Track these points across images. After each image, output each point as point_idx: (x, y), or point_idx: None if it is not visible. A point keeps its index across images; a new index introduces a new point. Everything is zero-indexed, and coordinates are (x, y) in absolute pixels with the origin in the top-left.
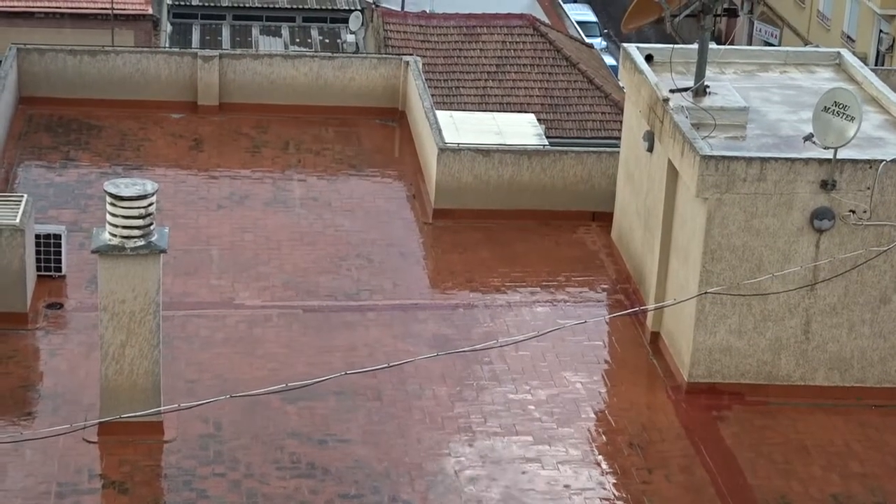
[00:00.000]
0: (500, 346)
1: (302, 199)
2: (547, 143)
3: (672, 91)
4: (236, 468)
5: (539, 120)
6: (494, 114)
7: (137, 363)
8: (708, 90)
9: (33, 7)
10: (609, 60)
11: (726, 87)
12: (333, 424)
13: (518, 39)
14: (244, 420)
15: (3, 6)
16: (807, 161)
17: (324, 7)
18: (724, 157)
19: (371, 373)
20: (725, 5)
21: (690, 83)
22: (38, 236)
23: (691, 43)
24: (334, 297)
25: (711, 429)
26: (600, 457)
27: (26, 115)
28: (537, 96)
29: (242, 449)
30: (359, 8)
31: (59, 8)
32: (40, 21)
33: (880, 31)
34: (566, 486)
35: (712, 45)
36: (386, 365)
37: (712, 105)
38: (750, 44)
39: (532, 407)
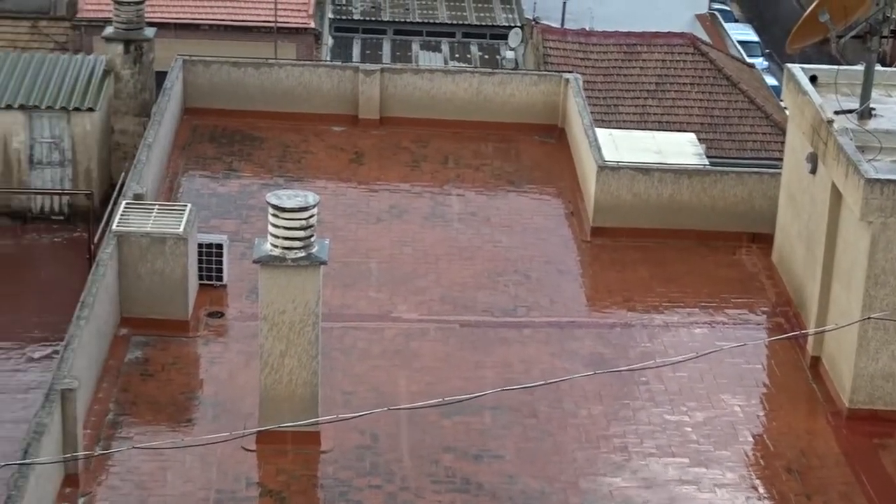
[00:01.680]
0: (658, 367)
1: (460, 214)
2: (707, 163)
3: (837, 113)
4: (392, 480)
5: (699, 139)
6: (654, 132)
7: (296, 373)
8: (873, 113)
9: (199, 19)
10: (770, 81)
11: (892, 110)
12: (489, 440)
13: (678, 58)
14: (400, 433)
15: (169, 17)
16: None
17: (483, 23)
18: (889, 181)
19: (527, 389)
20: (893, 27)
21: (855, 105)
22: (200, 245)
23: (855, 64)
24: (491, 312)
25: (872, 456)
26: (757, 481)
27: (191, 126)
28: (697, 116)
29: (398, 462)
30: (518, 25)
31: (224, 20)
32: (205, 33)
33: None
34: None
35: (878, 68)
36: (542, 382)
37: (878, 128)
38: None
39: (689, 429)
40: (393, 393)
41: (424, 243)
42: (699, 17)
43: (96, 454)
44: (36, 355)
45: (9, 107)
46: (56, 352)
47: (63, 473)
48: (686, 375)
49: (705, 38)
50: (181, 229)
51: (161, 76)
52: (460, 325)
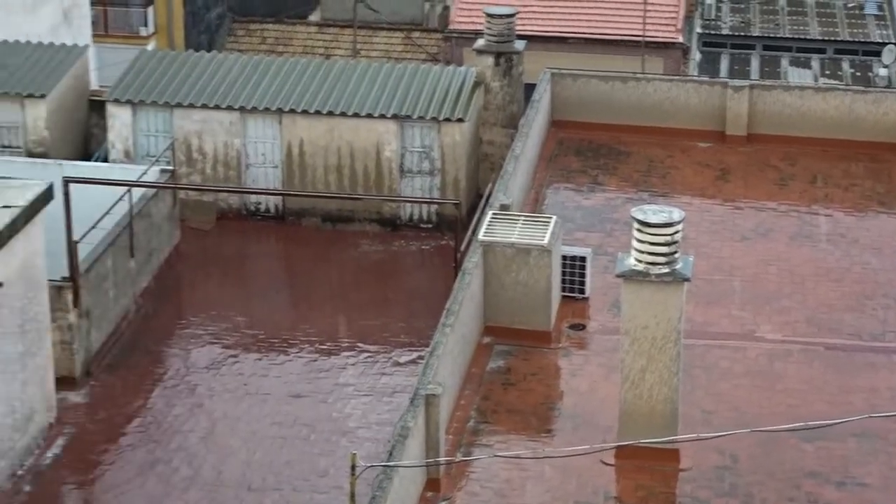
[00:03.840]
0: None
1: (828, 234)
2: None
3: None
4: (751, 503)
5: None
6: None
7: (657, 389)
8: None
9: (567, 32)
10: None
11: None
12: (853, 467)
13: None
14: (761, 455)
15: (539, 30)
16: None
17: (856, 39)
18: None
19: (895, 417)
20: None
21: None
22: (564, 258)
23: None
24: (858, 336)
25: None
26: None
27: (557, 138)
28: None
29: (758, 484)
30: (893, 41)
31: (592, 34)
32: (573, 46)
33: None
34: None
35: None
36: None
37: None
38: None
39: None
40: (754, 414)
41: (790, 263)
42: None
43: (458, 460)
44: (402, 360)
45: (382, 116)
46: (421, 357)
47: (425, 477)
48: None
49: None
50: (546, 241)
51: (529, 88)
52: (825, 348)
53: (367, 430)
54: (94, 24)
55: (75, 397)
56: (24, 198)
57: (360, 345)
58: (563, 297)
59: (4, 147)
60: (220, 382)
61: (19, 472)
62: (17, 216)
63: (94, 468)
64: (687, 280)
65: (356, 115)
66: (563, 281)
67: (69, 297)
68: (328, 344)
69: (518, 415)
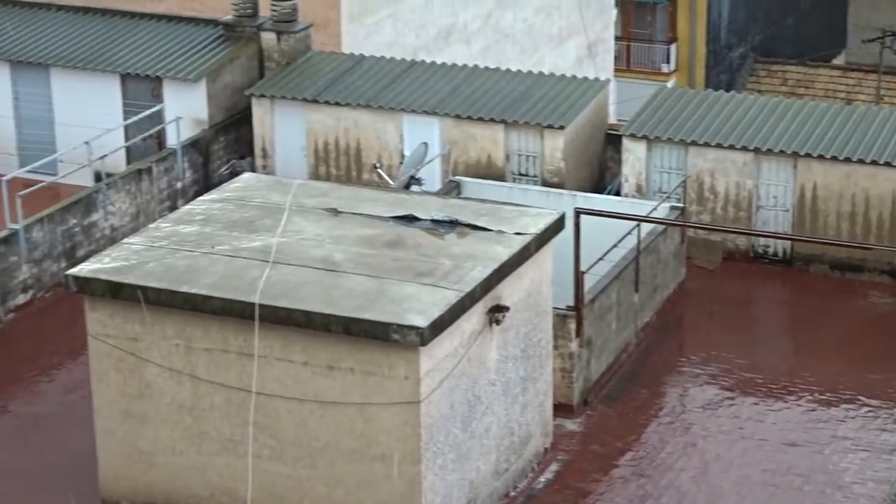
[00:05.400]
0: None
1: None
2: None
3: None
4: None
5: None
6: None
7: None
8: None
9: None
10: None
11: None
12: None
13: None
14: None
15: None
16: None
17: None
18: None
19: None
20: None
21: None
22: None
23: None
24: None
25: None
26: None
27: None
28: None
29: None
30: None
31: None
32: None
33: None
34: None
35: None
36: None
37: None
38: None
39: None
40: None
41: None
42: None
43: None
44: None
45: None
46: None
47: None
48: None
49: None
50: None
51: None
52: None
53: (863, 486)
54: (617, 58)
55: (571, 425)
56: (536, 226)
57: (861, 398)
58: None
59: (522, 175)
60: (716, 423)
61: (512, 493)
62: (528, 243)
63: (585, 497)
64: None
65: (874, 162)
66: None
67: (572, 325)
68: (828, 394)
69: None
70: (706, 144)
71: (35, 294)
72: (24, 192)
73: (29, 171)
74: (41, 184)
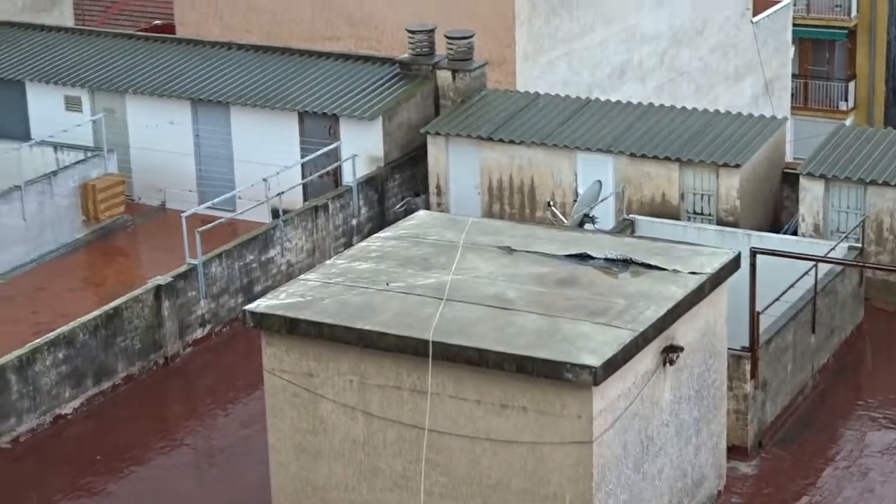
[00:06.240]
0: None
1: None
2: None
3: None
4: None
5: None
6: None
7: None
8: None
9: None
10: None
11: None
12: None
13: None
14: None
15: None
16: None
17: None
18: None
19: None
20: None
21: None
22: None
23: None
24: None
25: None
26: None
27: None
28: None
29: None
30: None
31: None
32: None
33: None
34: None
35: None
36: None
37: None
38: None
39: None
40: None
41: None
42: None
43: None
44: None
45: None
46: None
47: None
48: None
49: None
50: None
51: None
52: None
53: None
54: (794, 96)
55: (745, 468)
56: (711, 265)
57: None
58: None
59: (696, 214)
60: (894, 468)
61: None
62: (703, 282)
63: None
64: None
65: None
66: None
67: (747, 366)
68: None
69: None
70: (885, 184)
71: (212, 329)
72: (203, 227)
73: (208, 208)
74: (220, 220)
